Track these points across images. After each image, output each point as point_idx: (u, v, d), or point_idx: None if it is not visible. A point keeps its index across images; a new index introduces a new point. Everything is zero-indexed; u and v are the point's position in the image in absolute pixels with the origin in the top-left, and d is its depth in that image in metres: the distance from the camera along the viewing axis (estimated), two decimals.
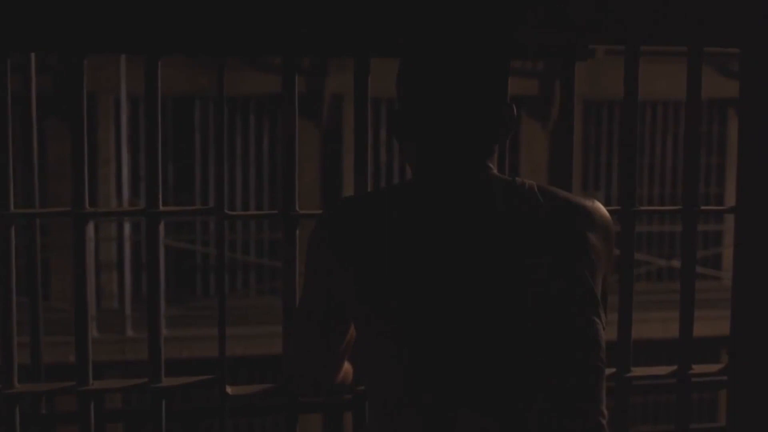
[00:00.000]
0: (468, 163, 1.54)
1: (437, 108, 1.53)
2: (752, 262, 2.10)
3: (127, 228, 9.47)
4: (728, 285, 2.12)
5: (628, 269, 2.10)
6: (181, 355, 8.45)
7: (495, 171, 1.57)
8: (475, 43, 1.55)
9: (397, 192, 1.55)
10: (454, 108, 1.52)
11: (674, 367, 2.17)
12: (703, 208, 2.15)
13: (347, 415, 8.59)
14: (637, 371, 2.13)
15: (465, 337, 1.44)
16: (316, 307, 1.59)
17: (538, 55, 2.04)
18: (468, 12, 1.91)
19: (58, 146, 8.92)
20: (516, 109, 1.59)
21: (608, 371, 2.09)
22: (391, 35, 1.93)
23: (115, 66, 8.95)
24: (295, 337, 1.66)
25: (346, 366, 1.73)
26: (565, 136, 2.06)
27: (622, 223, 2.09)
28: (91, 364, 1.97)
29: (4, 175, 1.90)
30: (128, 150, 9.50)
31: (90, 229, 1.84)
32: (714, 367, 2.22)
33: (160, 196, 1.96)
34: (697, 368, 2.16)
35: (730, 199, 10.85)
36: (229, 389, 2.00)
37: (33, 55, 2.15)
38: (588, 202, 1.56)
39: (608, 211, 1.60)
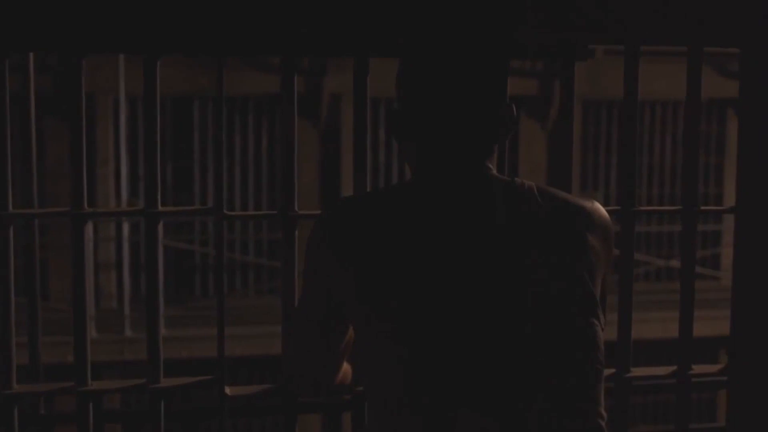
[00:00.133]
0: (467, 164, 1.54)
1: (437, 108, 1.53)
2: (752, 262, 2.10)
3: (125, 228, 9.47)
4: (727, 285, 2.12)
5: (628, 269, 2.10)
6: (180, 355, 8.44)
7: (494, 171, 1.56)
8: (475, 43, 1.55)
9: (397, 192, 1.55)
10: (453, 108, 1.52)
11: (674, 368, 2.17)
12: (702, 208, 2.14)
13: (346, 415, 8.59)
14: (637, 371, 2.13)
15: (465, 337, 1.44)
16: (315, 307, 1.59)
17: (538, 55, 2.04)
18: (468, 12, 1.91)
19: (57, 146, 8.92)
20: (515, 109, 1.58)
21: (608, 371, 2.09)
22: (390, 35, 1.93)
23: (114, 66, 8.95)
24: (294, 337, 1.66)
25: (346, 366, 1.73)
26: (564, 136, 2.06)
27: (622, 224, 2.09)
28: (89, 364, 1.96)
29: (2, 175, 1.89)
30: (127, 150, 9.49)
31: (89, 229, 1.83)
32: (714, 368, 2.22)
33: (159, 197, 1.96)
34: (697, 368, 2.16)
35: (729, 199, 10.85)
36: (228, 390, 2.00)
37: (32, 55, 2.15)
38: (587, 203, 1.56)
39: (608, 211, 1.60)
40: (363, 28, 1.93)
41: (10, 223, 1.93)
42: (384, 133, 10.28)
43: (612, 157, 11.00)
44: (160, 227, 1.98)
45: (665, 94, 9.89)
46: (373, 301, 1.46)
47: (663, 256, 10.87)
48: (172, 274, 9.98)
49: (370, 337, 1.49)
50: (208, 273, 10.32)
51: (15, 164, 1.96)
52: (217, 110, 1.96)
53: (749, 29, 2.04)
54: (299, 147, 1.98)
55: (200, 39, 1.91)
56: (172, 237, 10.02)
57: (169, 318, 8.86)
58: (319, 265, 1.55)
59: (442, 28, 1.62)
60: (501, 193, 1.51)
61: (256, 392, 2.04)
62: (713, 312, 6.31)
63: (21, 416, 2.00)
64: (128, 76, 9.01)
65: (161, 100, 1.97)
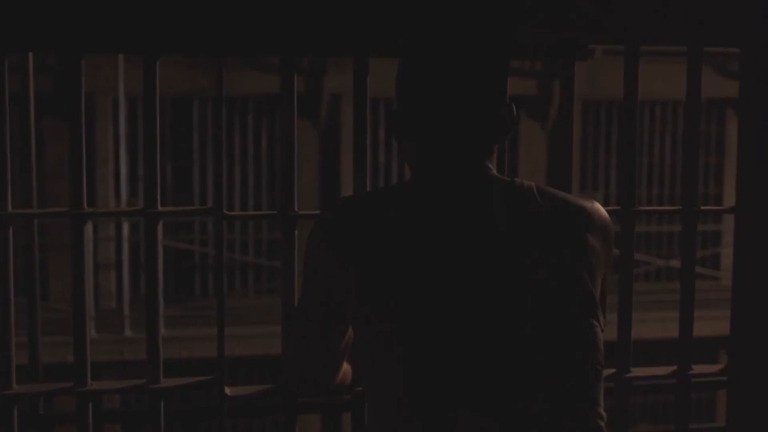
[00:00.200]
0: (467, 164, 1.54)
1: (436, 108, 1.52)
2: (752, 262, 2.10)
3: (125, 228, 9.47)
4: (727, 285, 2.12)
5: (628, 270, 2.10)
6: (180, 355, 8.45)
7: (494, 171, 1.56)
8: (475, 43, 1.55)
9: (397, 192, 1.55)
10: (453, 108, 1.52)
11: (674, 368, 2.16)
12: (702, 208, 2.14)
13: (346, 415, 8.59)
14: (637, 372, 2.13)
15: (465, 337, 1.44)
16: (315, 307, 1.59)
17: (538, 55, 2.04)
18: (468, 12, 1.91)
19: (57, 146, 8.93)
20: (515, 109, 1.58)
21: (608, 372, 2.09)
22: (390, 35, 1.92)
23: (114, 66, 8.95)
24: (294, 338, 1.66)
25: (345, 366, 1.73)
26: (564, 136, 2.06)
27: (622, 224, 2.09)
28: (89, 364, 1.96)
29: (2, 175, 1.89)
30: (126, 150, 9.49)
31: (88, 229, 1.83)
32: (714, 368, 2.22)
33: (159, 197, 1.96)
34: (697, 368, 2.16)
35: (729, 199, 10.85)
36: (227, 390, 1.99)
37: (31, 54, 2.14)
38: (587, 203, 1.56)
39: (608, 211, 1.60)
40: (363, 28, 1.92)
41: (10, 223, 1.93)
42: (384, 133, 10.28)
43: (611, 157, 11.00)
44: (160, 227, 1.98)
45: (665, 94, 9.90)
46: (373, 301, 1.46)
47: (663, 256, 10.87)
48: (171, 274, 9.98)
49: (370, 337, 1.49)
50: (208, 273, 10.32)
51: (14, 164, 1.95)
52: (216, 110, 1.96)
53: (749, 29, 2.04)
54: (299, 147, 1.98)
55: (200, 39, 1.90)
56: (171, 237, 10.02)
57: (168, 318, 8.86)
58: (319, 265, 1.55)
59: (441, 28, 1.62)
60: (501, 193, 1.51)
61: (255, 392, 2.04)
62: (713, 312, 6.32)
63: (20, 416, 2.00)
64: (128, 76, 9.02)
65: (161, 100, 1.97)
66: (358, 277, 1.48)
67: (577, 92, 2.05)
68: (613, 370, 2.11)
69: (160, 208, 1.96)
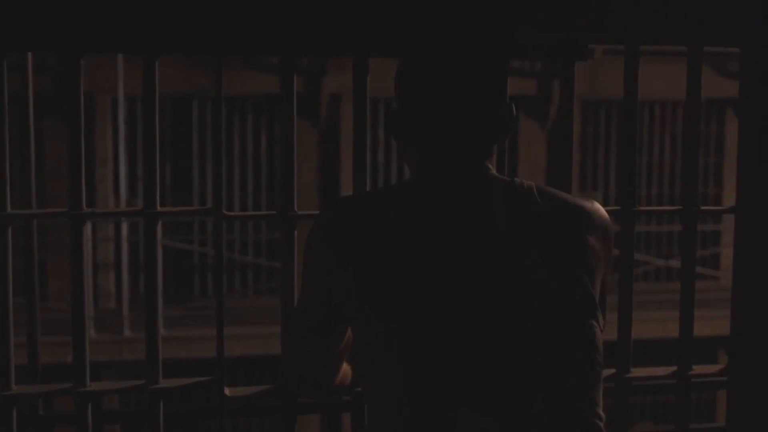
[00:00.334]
0: (467, 164, 1.53)
1: (436, 108, 1.52)
2: (752, 262, 2.10)
3: (124, 228, 9.46)
4: (726, 285, 2.12)
5: (628, 270, 2.09)
6: (179, 355, 8.44)
7: (494, 171, 1.56)
8: (475, 43, 1.54)
9: (396, 192, 1.54)
10: (453, 108, 1.52)
11: (674, 368, 2.16)
12: (702, 208, 2.14)
13: (346, 415, 8.59)
14: (637, 372, 2.13)
15: (465, 337, 1.44)
16: (314, 307, 1.58)
17: (538, 55, 2.04)
18: (467, 12, 1.91)
19: (56, 146, 8.92)
20: (515, 109, 1.58)
21: (608, 372, 2.09)
22: (390, 35, 1.92)
23: (113, 66, 8.95)
24: (294, 338, 1.66)
25: (345, 367, 1.72)
26: (564, 136, 2.06)
27: (622, 224, 2.08)
28: (88, 365, 1.96)
29: (1, 176, 1.89)
30: (126, 150, 9.49)
31: (87, 229, 1.83)
32: (714, 368, 2.21)
33: (158, 197, 1.95)
34: (697, 369, 2.16)
35: (728, 199, 10.85)
36: (227, 391, 1.99)
37: (30, 54, 2.14)
38: (587, 203, 1.56)
39: (608, 211, 1.60)
40: (362, 28, 1.92)
41: (9, 224, 1.92)
42: (383, 133, 10.28)
43: (611, 157, 11.00)
44: (159, 227, 1.98)
45: (664, 94, 9.89)
46: (373, 301, 1.46)
47: (662, 256, 10.87)
48: (171, 274, 9.98)
49: (369, 337, 1.48)
50: (207, 273, 10.32)
51: (14, 164, 1.95)
52: (216, 110, 1.96)
53: (749, 29, 2.04)
54: (298, 147, 1.97)
55: (199, 39, 1.90)
56: (171, 237, 10.01)
57: (168, 318, 8.86)
58: (319, 265, 1.54)
59: (441, 27, 1.62)
60: (501, 193, 1.51)
61: (255, 393, 2.04)
62: (712, 312, 6.31)
63: (20, 417, 2.00)
64: (127, 76, 9.01)
65: (160, 100, 1.96)
66: (357, 277, 1.47)
67: (576, 92, 2.04)
68: (613, 371, 2.11)
69: (159, 208, 1.96)
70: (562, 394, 1.45)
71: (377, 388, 1.50)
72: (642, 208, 2.14)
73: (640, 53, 2.05)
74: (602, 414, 1.50)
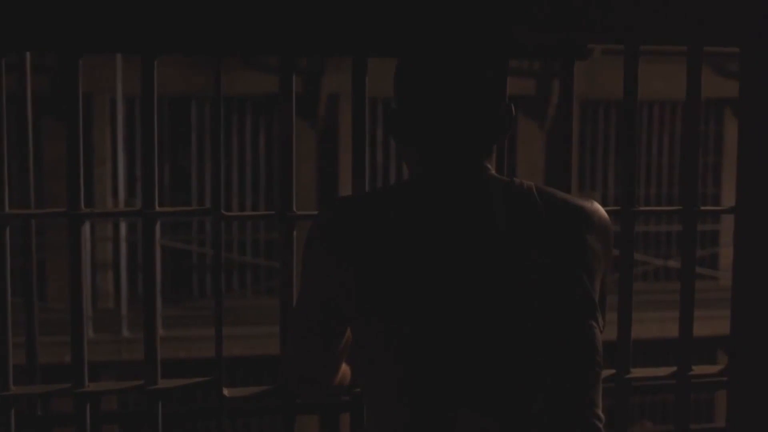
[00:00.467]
0: (466, 164, 1.53)
1: (435, 108, 1.52)
2: (752, 262, 2.09)
3: (123, 228, 9.46)
4: (725, 285, 2.12)
5: (628, 271, 2.09)
6: (178, 355, 8.44)
7: (493, 171, 1.56)
8: (474, 42, 1.54)
9: (396, 192, 1.54)
10: (452, 108, 1.52)
11: (674, 369, 2.16)
12: (702, 208, 2.13)
13: (345, 416, 8.58)
14: (637, 372, 2.12)
15: (464, 337, 1.43)
16: (314, 307, 1.58)
17: (537, 55, 2.03)
18: (467, 11, 1.90)
19: (55, 146, 8.92)
20: (514, 108, 1.58)
21: (608, 372, 2.08)
22: (389, 35, 1.92)
23: (112, 66, 8.95)
24: (293, 338, 1.65)
25: (344, 367, 1.72)
26: (563, 136, 2.06)
27: (622, 224, 2.08)
28: (86, 365, 1.95)
29: None
30: (124, 150, 9.49)
31: (86, 229, 1.83)
32: (714, 368, 2.21)
33: (157, 197, 1.95)
34: (697, 369, 2.15)
35: (727, 199, 10.86)
36: (226, 391, 1.99)
37: (28, 54, 2.13)
38: (587, 204, 1.55)
39: (608, 211, 1.60)
40: (362, 28, 1.92)
41: (7, 224, 1.92)
42: (381, 132, 10.28)
43: (609, 157, 11.00)
44: (158, 227, 1.97)
45: (663, 94, 9.90)
46: (373, 301, 1.46)
47: (660, 256, 10.87)
48: (169, 274, 9.98)
49: (369, 337, 1.48)
50: (206, 273, 10.32)
51: (12, 164, 1.95)
52: (214, 110, 1.95)
53: (749, 29, 2.03)
54: (297, 147, 1.97)
55: (198, 38, 1.90)
56: (169, 237, 10.01)
57: (166, 318, 8.85)
58: (317, 265, 1.54)
59: (440, 27, 1.62)
60: (500, 193, 1.50)
61: (254, 394, 2.03)
62: (711, 312, 6.31)
63: (18, 417, 1.99)
64: (125, 75, 9.01)
65: (159, 100, 1.96)
66: (357, 278, 1.47)
67: (575, 92, 2.04)
68: (613, 371, 2.10)
69: (157, 208, 1.95)
70: (562, 395, 1.45)
71: (377, 388, 1.50)
72: (642, 208, 2.13)
73: (640, 53, 2.05)
74: (602, 415, 1.49)
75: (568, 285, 1.47)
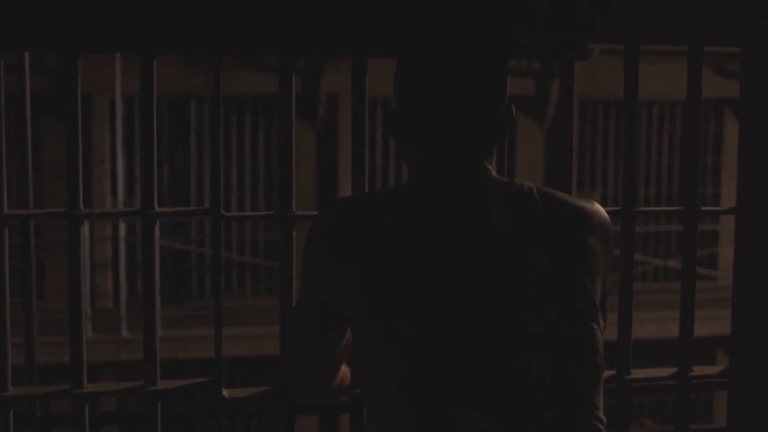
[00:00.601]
0: (467, 165, 1.53)
1: (435, 108, 1.52)
2: (753, 263, 2.09)
3: (122, 228, 9.46)
4: (724, 285, 2.12)
5: (628, 271, 2.09)
6: (177, 355, 8.44)
7: (494, 173, 1.55)
8: (474, 42, 1.54)
9: (395, 193, 1.54)
10: (452, 108, 1.51)
11: (674, 369, 2.15)
12: (703, 208, 2.13)
13: (344, 416, 8.58)
14: (638, 373, 2.12)
15: (464, 337, 1.43)
16: (313, 307, 1.57)
17: (537, 55, 2.03)
18: (466, 11, 1.90)
19: (54, 146, 8.92)
20: (514, 108, 1.57)
21: (608, 373, 2.08)
22: (389, 35, 1.91)
23: (111, 65, 8.94)
24: (292, 339, 1.65)
25: (344, 368, 1.72)
26: (564, 136, 2.05)
27: (623, 225, 2.08)
28: (85, 366, 1.95)
29: None
30: (123, 150, 9.49)
31: (85, 229, 1.83)
32: (714, 369, 2.20)
33: (156, 197, 1.94)
34: (698, 370, 2.15)
35: (726, 199, 10.86)
36: (225, 392, 1.98)
37: (27, 54, 2.13)
38: (587, 204, 1.55)
39: (608, 211, 1.59)
40: (361, 28, 1.91)
41: (6, 224, 1.92)
42: (381, 133, 10.27)
43: (609, 157, 11.00)
44: (157, 227, 1.97)
45: (663, 95, 9.90)
46: (373, 301, 1.46)
47: (659, 256, 10.87)
48: (168, 274, 9.97)
49: (369, 337, 1.48)
50: (205, 273, 10.31)
51: (11, 164, 1.94)
52: (214, 110, 1.95)
53: (749, 29, 2.03)
54: (296, 147, 1.97)
55: (198, 38, 1.89)
56: (168, 237, 10.01)
57: (166, 318, 8.85)
58: (317, 265, 1.54)
59: (440, 27, 1.61)
60: (500, 194, 1.50)
61: (253, 394, 2.03)
62: (710, 312, 6.31)
63: (17, 418, 1.99)
64: (125, 75, 9.01)
65: (158, 99, 1.95)
66: (357, 278, 1.47)
67: (575, 92, 2.04)
68: (613, 372, 2.10)
69: (157, 208, 1.95)
70: (562, 396, 1.45)
71: (376, 388, 1.50)
72: (643, 208, 2.13)
73: (640, 53, 2.05)
74: (603, 417, 1.49)
75: (568, 286, 1.47)
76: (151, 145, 1.92)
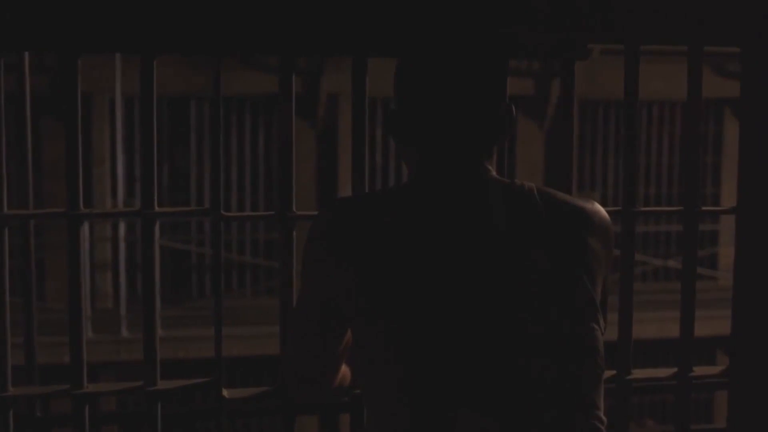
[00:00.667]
0: (467, 165, 1.53)
1: (435, 108, 1.52)
2: (753, 263, 2.09)
3: (122, 228, 9.46)
4: (724, 285, 2.12)
5: (628, 271, 2.09)
6: (177, 355, 8.44)
7: (494, 173, 1.55)
8: (474, 42, 1.54)
9: (396, 193, 1.54)
10: (452, 108, 1.51)
11: (675, 369, 2.15)
12: (703, 208, 2.13)
13: (344, 417, 8.58)
14: (638, 374, 2.12)
15: (464, 338, 1.43)
16: (313, 308, 1.57)
17: (537, 55, 2.03)
18: (466, 11, 1.90)
19: (54, 146, 8.91)
20: (514, 109, 1.57)
21: (609, 373, 2.08)
22: (389, 35, 1.91)
23: (111, 65, 8.94)
24: (292, 339, 1.65)
25: (344, 368, 1.72)
26: (564, 136, 2.05)
27: (623, 225, 2.08)
28: (85, 366, 1.95)
29: None
30: (123, 150, 9.49)
31: (85, 229, 1.83)
32: (715, 369, 2.20)
33: (156, 197, 1.94)
34: (698, 370, 2.15)
35: (726, 199, 10.86)
36: (225, 392, 1.98)
37: (27, 54, 2.13)
38: (587, 205, 1.55)
39: (608, 211, 1.59)
40: (361, 28, 1.91)
41: (6, 224, 1.91)
42: (380, 133, 10.27)
43: (609, 157, 11.00)
44: (157, 227, 1.97)
45: (663, 95, 9.90)
46: (373, 301, 1.45)
47: (659, 256, 10.87)
48: (168, 274, 9.97)
49: (369, 337, 1.48)
50: (205, 273, 10.31)
51: (11, 164, 1.94)
52: (214, 110, 1.95)
53: (749, 29, 2.03)
54: (296, 147, 1.97)
55: (198, 38, 1.89)
56: (168, 237, 10.01)
57: (165, 318, 8.85)
58: (317, 265, 1.54)
59: (440, 27, 1.61)
60: (500, 194, 1.50)
61: (253, 394, 2.03)
62: (710, 312, 6.31)
63: (17, 418, 1.99)
64: (125, 75, 9.00)
65: (158, 99, 1.95)
66: (357, 278, 1.47)
67: (575, 92, 2.04)
68: (613, 372, 2.10)
69: (156, 208, 1.95)
70: (562, 396, 1.45)
71: (377, 388, 1.49)
72: (643, 209, 2.13)
73: (640, 53, 2.05)
74: (603, 417, 1.49)
75: (568, 286, 1.47)
76: (151, 145, 1.92)
